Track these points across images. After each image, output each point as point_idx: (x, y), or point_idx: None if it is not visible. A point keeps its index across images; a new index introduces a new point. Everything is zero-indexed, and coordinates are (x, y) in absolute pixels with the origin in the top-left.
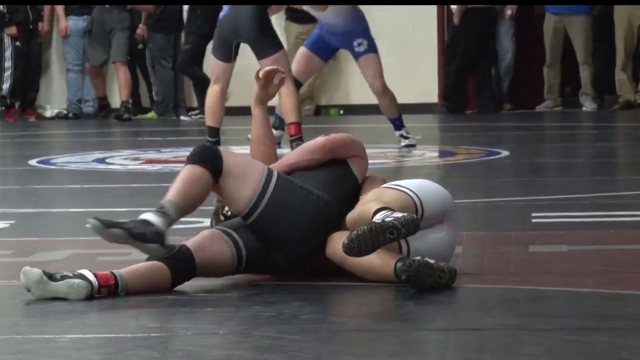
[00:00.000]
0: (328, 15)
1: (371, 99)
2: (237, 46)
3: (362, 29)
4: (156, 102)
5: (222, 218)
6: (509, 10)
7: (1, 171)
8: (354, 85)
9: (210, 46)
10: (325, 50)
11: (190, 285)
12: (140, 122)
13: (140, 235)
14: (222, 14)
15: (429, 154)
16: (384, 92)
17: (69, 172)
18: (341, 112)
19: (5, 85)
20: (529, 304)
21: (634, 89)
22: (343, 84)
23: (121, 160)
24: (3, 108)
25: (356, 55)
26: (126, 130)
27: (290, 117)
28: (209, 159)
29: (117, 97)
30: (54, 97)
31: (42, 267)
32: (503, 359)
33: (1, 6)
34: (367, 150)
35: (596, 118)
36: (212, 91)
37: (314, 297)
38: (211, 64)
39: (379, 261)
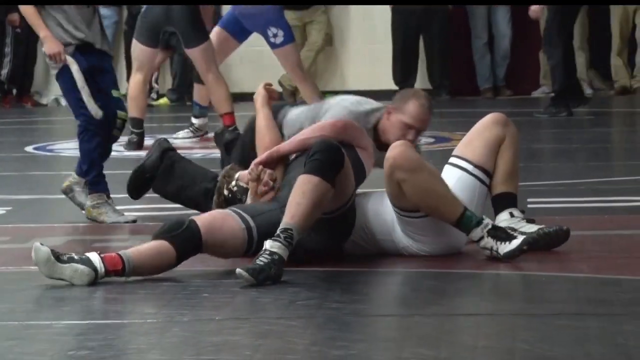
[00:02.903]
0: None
1: (366, 84)
2: (165, 33)
3: (277, 14)
4: (171, 88)
5: (226, 193)
6: None
7: None
8: (349, 70)
9: None
10: (239, 32)
11: (187, 270)
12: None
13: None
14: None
15: (424, 140)
16: (304, 80)
17: (65, 159)
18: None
19: (4, 72)
20: (524, 289)
21: (630, 74)
22: (339, 69)
23: (117, 147)
24: (0, 94)
25: (272, 46)
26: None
27: (222, 107)
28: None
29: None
30: (52, 84)
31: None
32: (498, 344)
33: None
34: None
35: (592, 103)
36: (135, 80)
37: (311, 283)
38: (136, 50)
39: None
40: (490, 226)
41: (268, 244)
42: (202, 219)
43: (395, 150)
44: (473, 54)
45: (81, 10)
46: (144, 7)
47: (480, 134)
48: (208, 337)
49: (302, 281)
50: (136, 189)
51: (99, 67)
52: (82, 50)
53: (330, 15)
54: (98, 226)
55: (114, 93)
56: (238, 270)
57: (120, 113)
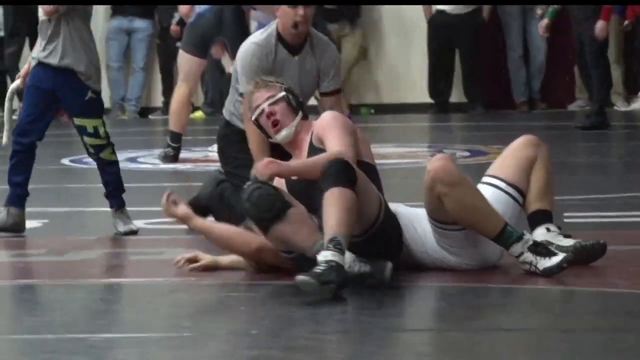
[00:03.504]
0: (259, 16)
1: (401, 98)
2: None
3: None
4: (206, 101)
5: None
6: (539, 10)
7: (34, 170)
8: (384, 84)
9: None
10: None
11: (223, 283)
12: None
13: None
14: (203, 7)
15: (460, 154)
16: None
17: None
18: (372, 111)
19: None
20: (561, 304)
21: None
22: (374, 83)
23: (153, 160)
24: None
25: None
26: (160, 129)
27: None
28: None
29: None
30: None
31: (74, 266)
32: (533, 358)
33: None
34: (397, 150)
35: (627, 117)
36: (180, 92)
37: (345, 297)
38: (184, 60)
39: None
40: (531, 242)
41: (320, 257)
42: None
43: (437, 163)
44: (508, 68)
45: (42, 25)
46: (193, 16)
47: (513, 155)
48: (244, 351)
49: (336, 296)
50: None
51: (61, 88)
52: (45, 68)
53: (365, 29)
54: (134, 239)
55: (76, 121)
56: (299, 277)
57: (85, 139)
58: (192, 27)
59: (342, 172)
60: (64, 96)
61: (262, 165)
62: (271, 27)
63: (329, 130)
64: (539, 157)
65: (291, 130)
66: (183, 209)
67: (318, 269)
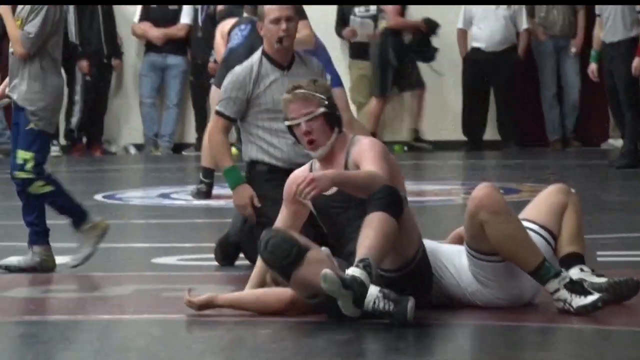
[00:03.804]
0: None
1: (435, 135)
2: None
3: (326, 61)
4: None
5: None
6: (573, 48)
7: None
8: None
9: None
10: None
11: (253, 321)
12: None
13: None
14: (235, 42)
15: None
16: (351, 125)
17: (133, 207)
18: (405, 148)
19: (74, 120)
20: (595, 343)
21: None
22: (407, 119)
23: (186, 196)
24: (70, 143)
25: None
26: (193, 166)
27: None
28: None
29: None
30: (126, 132)
31: (107, 303)
32: None
33: (74, 38)
34: (432, 187)
35: None
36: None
37: (374, 334)
38: (216, 96)
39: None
40: (568, 279)
41: (350, 270)
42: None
43: (482, 191)
44: (542, 105)
45: (11, 59)
46: (225, 52)
47: (544, 200)
48: None
49: (364, 332)
50: (223, 256)
51: (16, 122)
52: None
53: None
54: (165, 275)
55: (17, 154)
56: (325, 271)
57: (13, 173)
58: (224, 62)
59: (392, 200)
60: (18, 130)
61: (305, 184)
62: (258, 52)
63: (366, 154)
64: (570, 203)
65: (327, 149)
66: (203, 297)
67: (344, 276)
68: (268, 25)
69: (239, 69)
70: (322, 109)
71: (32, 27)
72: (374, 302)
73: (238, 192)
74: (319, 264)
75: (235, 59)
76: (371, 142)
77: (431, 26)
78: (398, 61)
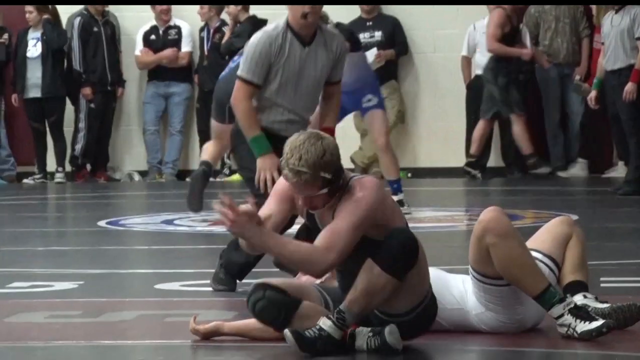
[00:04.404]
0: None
1: (438, 162)
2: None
3: (372, 85)
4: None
5: None
6: (577, 75)
7: (71, 232)
8: (421, 148)
9: None
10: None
11: (256, 348)
12: (217, 184)
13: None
14: (222, 73)
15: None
16: (387, 150)
17: (137, 234)
18: (409, 174)
19: (78, 146)
20: None
21: None
22: (411, 146)
23: (189, 222)
24: (74, 169)
25: (363, 111)
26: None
27: None
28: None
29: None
30: (130, 158)
31: (110, 328)
32: None
33: (78, 66)
34: (435, 213)
35: None
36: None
37: None
38: (213, 125)
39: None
40: (572, 305)
41: (321, 321)
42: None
43: (489, 214)
44: (546, 132)
45: None
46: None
47: (549, 231)
48: None
49: (370, 357)
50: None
51: None
52: None
53: (402, 93)
54: (169, 301)
55: None
56: (286, 331)
57: None
58: (213, 93)
59: (400, 262)
60: None
61: (233, 222)
62: (282, 20)
63: (345, 208)
64: (574, 234)
65: (325, 208)
66: (209, 325)
67: (308, 333)
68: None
69: (263, 36)
70: (324, 190)
71: None
72: (367, 343)
73: (264, 160)
74: (313, 317)
75: (220, 90)
76: (358, 198)
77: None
78: (505, 84)
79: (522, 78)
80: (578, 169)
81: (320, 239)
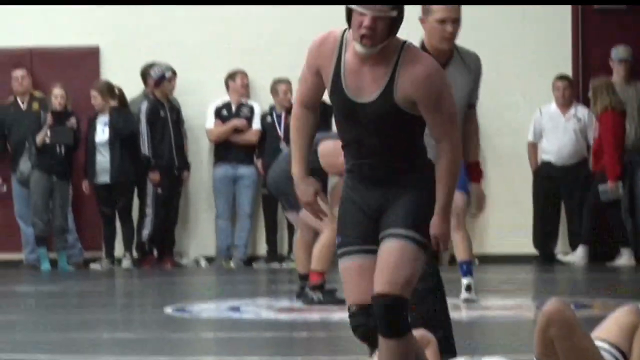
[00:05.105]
0: None
1: (506, 249)
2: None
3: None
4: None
5: None
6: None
7: (137, 319)
8: (489, 235)
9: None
10: None
11: None
12: (278, 271)
13: None
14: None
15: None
16: (460, 228)
17: (203, 321)
18: (476, 261)
19: (145, 232)
20: None
21: None
22: (478, 232)
23: (255, 309)
24: (141, 255)
25: None
26: (263, 279)
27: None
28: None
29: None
30: (196, 243)
31: None
32: None
33: (147, 151)
34: (501, 302)
35: None
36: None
37: None
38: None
39: None
40: None
41: None
42: None
43: (553, 306)
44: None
45: None
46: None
47: (615, 320)
48: None
49: None
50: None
51: None
52: None
53: None
54: None
55: None
56: None
57: None
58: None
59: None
60: None
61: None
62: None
63: (430, 103)
64: None
65: (375, 50)
66: None
67: None
68: (433, 23)
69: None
70: (394, 13)
71: None
72: None
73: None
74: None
75: (280, 178)
76: (430, 76)
77: None
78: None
79: None
80: None
81: (439, 136)
